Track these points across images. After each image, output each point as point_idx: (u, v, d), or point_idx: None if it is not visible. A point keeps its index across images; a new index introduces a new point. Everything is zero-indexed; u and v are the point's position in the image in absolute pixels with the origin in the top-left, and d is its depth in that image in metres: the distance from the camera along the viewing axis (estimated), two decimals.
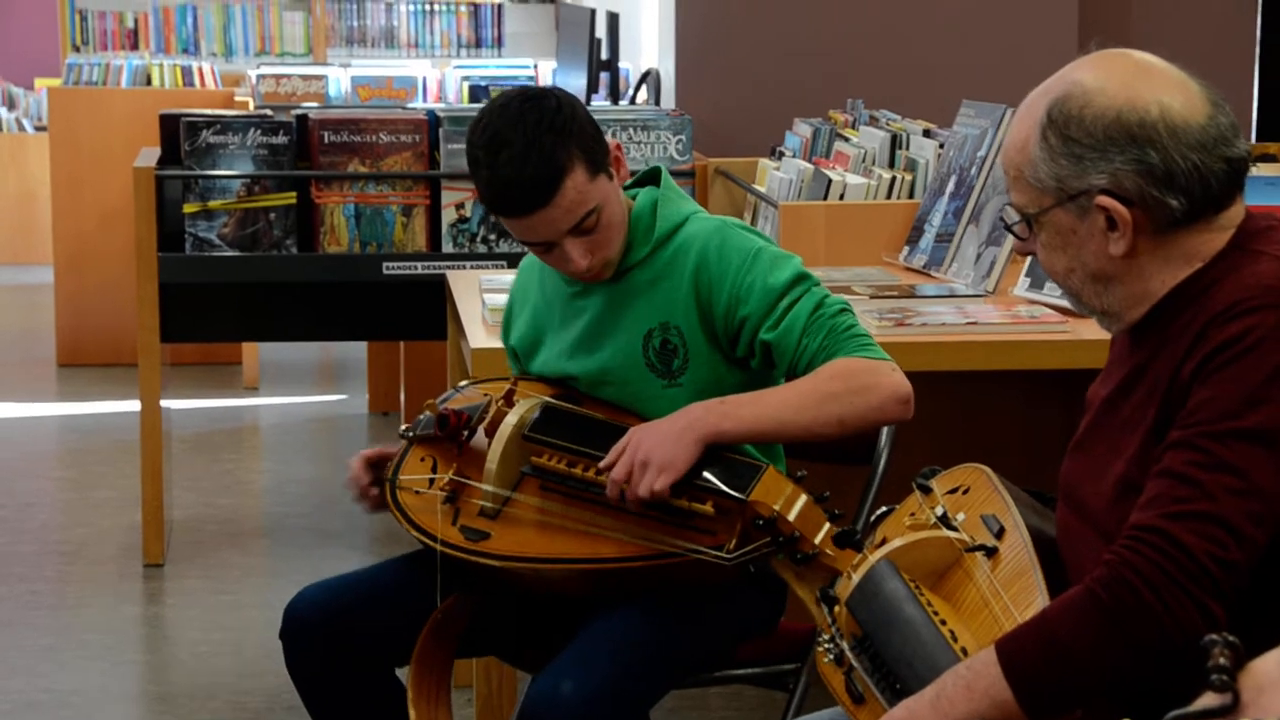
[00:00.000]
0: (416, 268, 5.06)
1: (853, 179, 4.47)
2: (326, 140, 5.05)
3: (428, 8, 10.20)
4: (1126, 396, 2.22)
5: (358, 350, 7.73)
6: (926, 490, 2.41)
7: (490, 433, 2.87)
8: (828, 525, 2.71)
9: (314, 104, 7.00)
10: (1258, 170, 3.93)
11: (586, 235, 2.86)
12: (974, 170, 4.17)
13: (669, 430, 2.74)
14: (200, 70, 9.13)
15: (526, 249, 2.96)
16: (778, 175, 4.73)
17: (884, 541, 2.35)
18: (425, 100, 7.55)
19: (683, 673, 2.90)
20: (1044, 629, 2.08)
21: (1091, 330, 3.57)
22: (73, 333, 7.81)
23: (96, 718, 4.16)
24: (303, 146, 5.10)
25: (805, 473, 2.78)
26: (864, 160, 4.59)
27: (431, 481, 2.89)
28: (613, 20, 7.10)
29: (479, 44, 10.27)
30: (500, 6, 10.23)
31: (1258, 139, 5.85)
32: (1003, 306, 3.78)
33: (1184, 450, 2.08)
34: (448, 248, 5.07)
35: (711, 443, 2.74)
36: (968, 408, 4.21)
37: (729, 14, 6.09)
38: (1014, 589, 2.20)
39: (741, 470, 2.74)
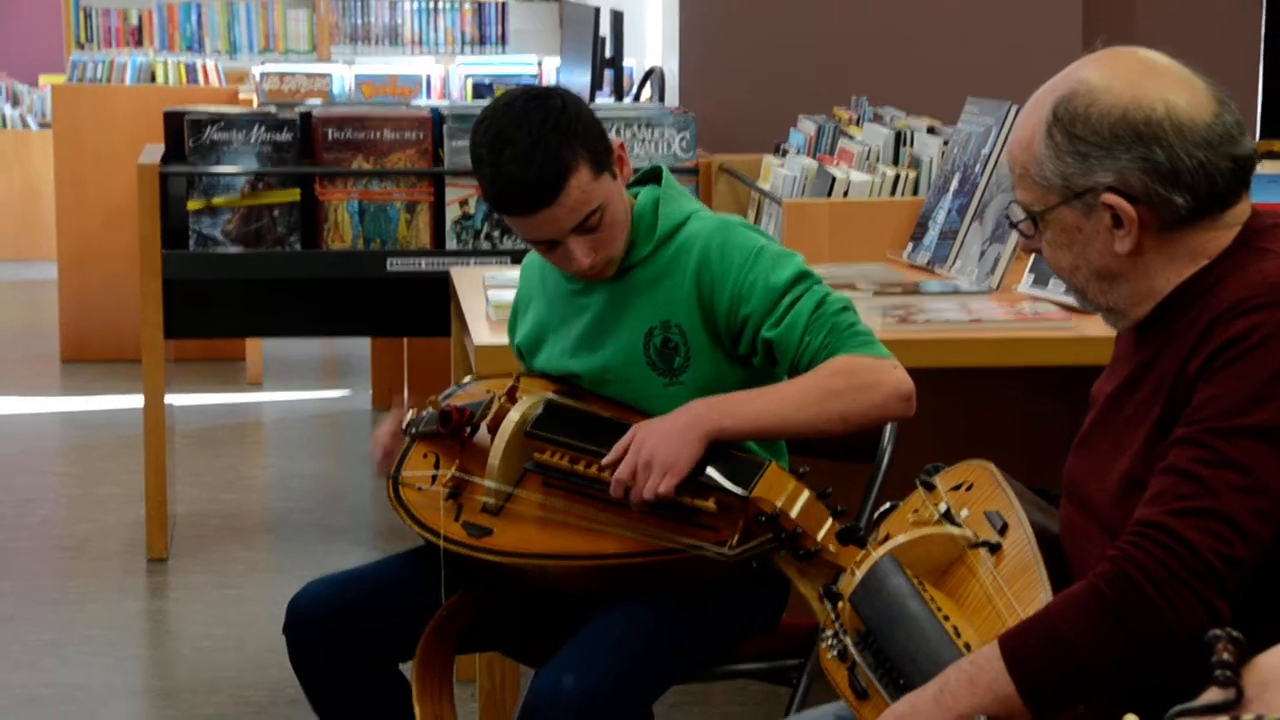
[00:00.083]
0: (420, 264, 5.07)
1: (857, 176, 4.47)
2: (330, 137, 5.05)
3: (432, 5, 10.21)
4: (1131, 393, 2.22)
5: (361, 346, 7.74)
6: (930, 487, 2.41)
7: (493, 429, 2.87)
8: (830, 521, 2.71)
9: (318, 101, 7.00)
10: (1262, 168, 3.93)
11: (590, 234, 2.86)
12: (978, 167, 4.18)
13: (671, 428, 2.74)
14: (204, 67, 9.14)
15: (530, 246, 2.96)
16: (782, 172, 4.73)
17: (887, 538, 2.35)
18: (429, 97, 7.55)
19: (685, 668, 2.90)
20: (1047, 624, 2.08)
21: (1095, 327, 3.56)
22: (76, 329, 7.82)
23: (100, 713, 4.17)
24: (306, 143, 5.10)
25: (807, 469, 2.78)
26: (868, 157, 4.59)
27: (434, 478, 2.89)
28: (617, 18, 7.10)
29: (483, 41, 10.27)
30: (504, 4, 10.23)
31: (1262, 137, 5.84)
32: (1006, 303, 3.78)
33: (1188, 447, 2.08)
34: (451, 244, 5.08)
35: (714, 439, 2.74)
36: (971, 404, 4.20)
37: (732, 11, 6.09)
38: (1017, 585, 2.20)
39: (744, 467, 2.74)
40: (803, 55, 6.05)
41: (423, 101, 7.09)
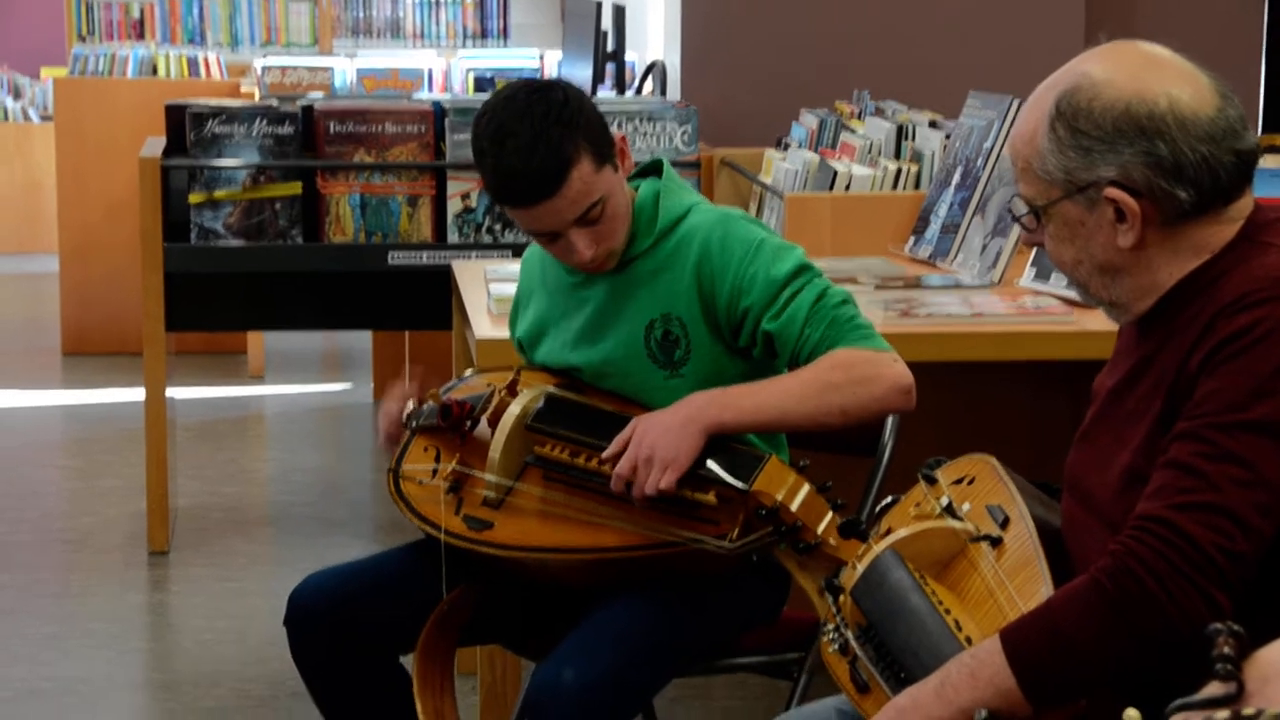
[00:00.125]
0: (421, 258, 5.06)
1: (858, 170, 4.47)
2: (332, 130, 5.05)
3: None
4: (1133, 387, 2.22)
5: (363, 340, 7.74)
6: (932, 480, 2.41)
7: (494, 423, 2.87)
8: (830, 515, 2.71)
9: (319, 94, 6.99)
10: (1264, 162, 3.92)
11: (592, 226, 2.86)
12: (980, 161, 4.17)
13: (671, 422, 2.74)
14: (206, 60, 9.13)
15: (531, 239, 2.96)
16: (783, 166, 4.72)
17: (889, 531, 2.35)
18: (431, 91, 7.55)
19: (685, 661, 2.90)
20: (1049, 618, 2.08)
21: (1097, 321, 3.56)
22: (78, 322, 7.82)
23: (100, 706, 4.17)
24: (308, 137, 5.10)
25: (808, 462, 2.78)
26: (870, 151, 4.58)
27: (435, 471, 2.89)
28: (618, 11, 7.09)
29: (485, 35, 10.27)
30: None
31: (1263, 131, 5.84)
32: (1008, 297, 3.78)
33: (1190, 441, 2.08)
34: (453, 238, 5.07)
35: (714, 433, 2.74)
36: (973, 399, 4.20)
37: (734, 5, 6.08)
38: (1018, 579, 2.20)
39: (744, 460, 2.74)
40: (804, 49, 6.04)
41: (424, 95, 7.08)
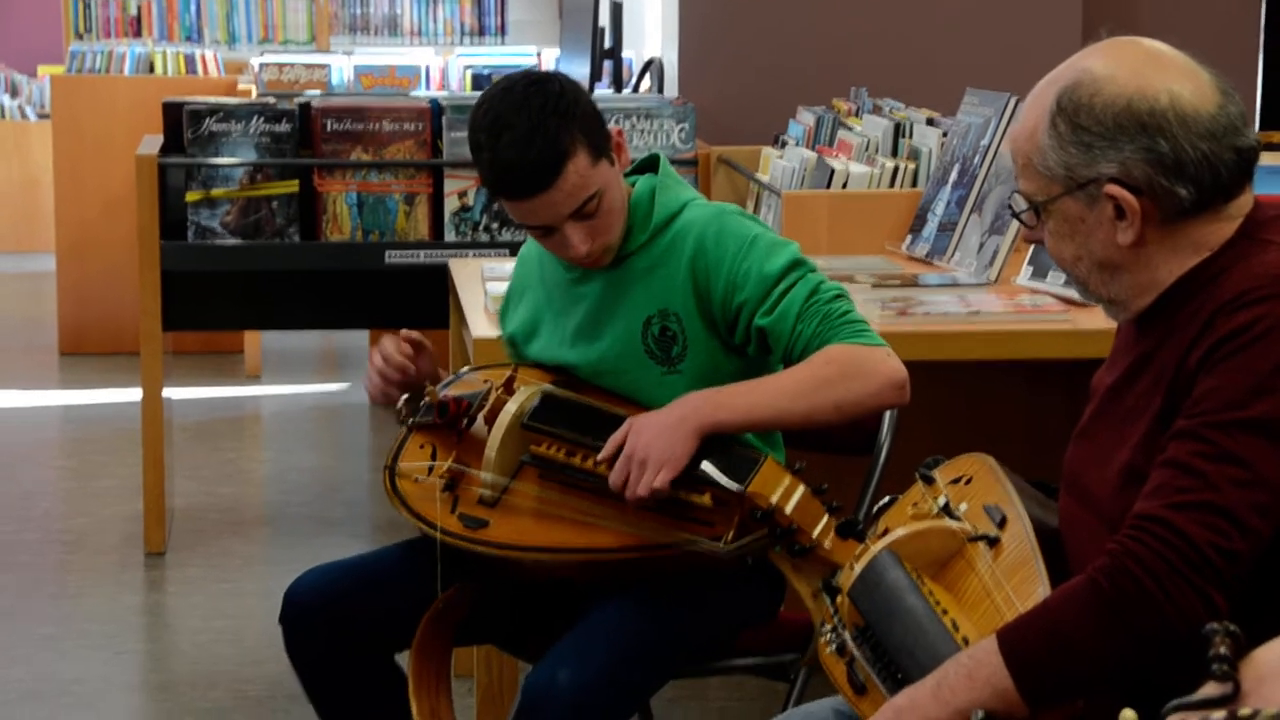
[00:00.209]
0: (419, 256, 5.06)
1: (856, 168, 4.46)
2: (329, 128, 5.04)
3: None
4: (1132, 384, 2.21)
5: (360, 339, 7.73)
6: (929, 480, 2.40)
7: (490, 421, 2.87)
8: (826, 517, 2.70)
9: (317, 92, 6.98)
10: (1262, 159, 3.91)
11: (587, 220, 2.86)
12: (977, 159, 4.16)
13: (666, 422, 2.73)
14: (203, 58, 9.12)
15: (527, 233, 2.96)
16: (781, 164, 4.72)
17: (886, 531, 2.34)
18: (428, 88, 7.54)
19: (681, 662, 2.89)
20: (1046, 618, 2.08)
21: (1094, 320, 3.56)
22: (75, 321, 7.81)
23: (98, 706, 4.16)
24: (305, 134, 5.09)
25: (804, 464, 2.77)
26: (867, 149, 4.58)
27: (431, 469, 2.89)
28: (616, 8, 7.08)
29: (482, 32, 10.26)
30: None
31: (1261, 128, 5.83)
32: (1005, 296, 3.77)
33: (1188, 440, 2.08)
34: (450, 236, 5.07)
35: (709, 433, 2.73)
36: (970, 397, 4.20)
37: (732, 2, 6.08)
38: (1016, 579, 2.19)
39: (739, 461, 2.73)
40: (801, 46, 6.03)
41: (422, 92, 7.08)
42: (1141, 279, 2.20)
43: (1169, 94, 2.13)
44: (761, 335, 2.84)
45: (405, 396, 2.99)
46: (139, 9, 9.94)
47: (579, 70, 6.72)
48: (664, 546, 2.75)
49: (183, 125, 5.05)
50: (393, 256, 5.05)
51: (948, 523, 2.30)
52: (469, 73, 7.66)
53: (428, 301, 4.94)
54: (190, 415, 6.68)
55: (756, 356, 2.90)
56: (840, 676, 2.27)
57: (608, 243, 2.90)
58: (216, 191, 5.02)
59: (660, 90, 6.44)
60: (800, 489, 2.71)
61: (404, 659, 2.95)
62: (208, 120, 5.03)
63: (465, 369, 3.14)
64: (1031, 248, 3.89)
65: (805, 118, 4.98)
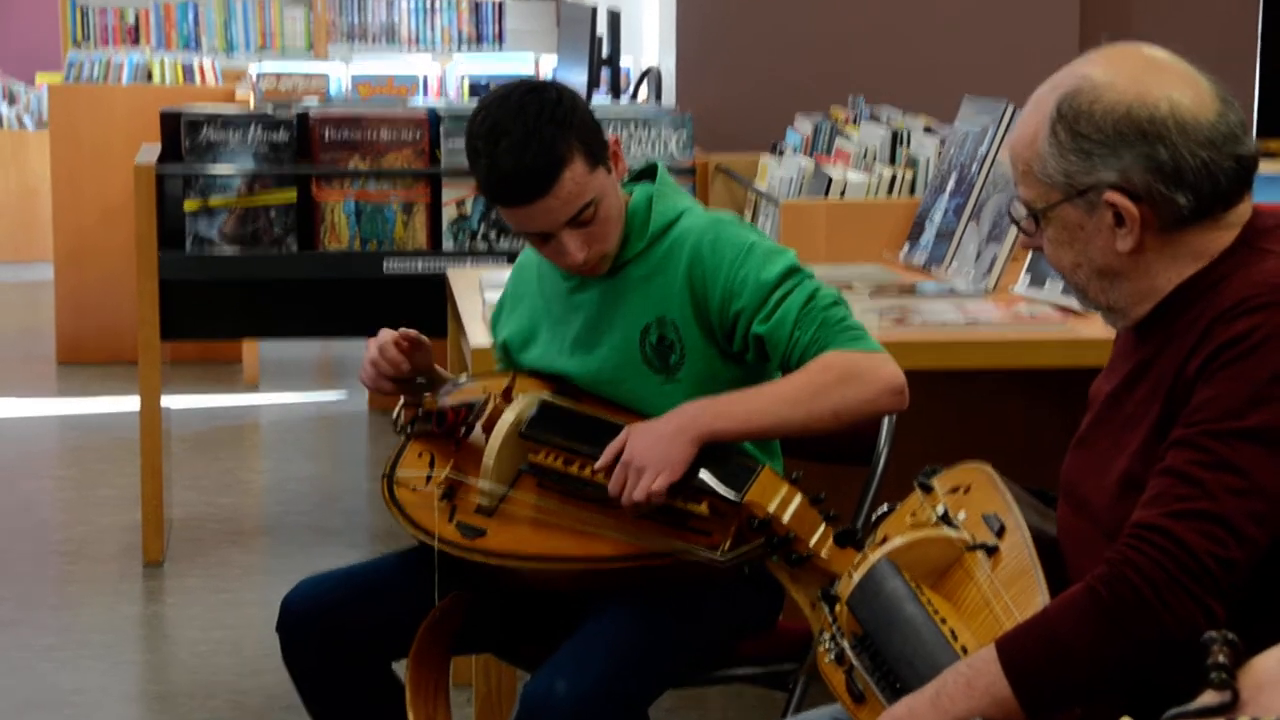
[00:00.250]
0: (417, 265, 5.06)
1: (853, 176, 4.46)
2: (327, 137, 5.04)
3: (429, 4, 10.20)
4: (1130, 392, 2.21)
5: (358, 348, 7.70)
6: (928, 489, 2.40)
7: (488, 429, 2.87)
8: (823, 526, 2.70)
9: (315, 101, 6.98)
10: (1260, 168, 3.91)
11: (584, 227, 2.86)
12: (975, 167, 4.16)
13: (664, 431, 2.73)
14: (201, 66, 9.13)
15: (524, 240, 2.96)
16: (778, 172, 4.72)
17: (885, 540, 2.34)
18: (426, 97, 7.54)
19: (679, 671, 2.89)
20: (1045, 627, 2.08)
21: (1091, 329, 3.56)
22: (73, 330, 7.81)
23: (96, 717, 4.16)
24: (303, 143, 5.10)
25: (801, 473, 2.77)
26: (865, 157, 4.58)
27: (429, 477, 2.89)
28: (614, 17, 7.09)
29: (480, 40, 10.27)
30: (501, 3, 10.23)
31: (1258, 136, 5.84)
32: (1003, 305, 3.77)
33: (1186, 449, 2.08)
34: (448, 245, 5.07)
35: (706, 442, 2.73)
36: (967, 406, 4.20)
37: (729, 11, 6.08)
38: (1015, 588, 2.19)
39: (737, 471, 2.73)
40: (799, 55, 6.04)
41: (419, 101, 7.08)
42: (1140, 286, 2.20)
43: (1169, 101, 2.14)
44: (759, 343, 2.84)
45: (402, 403, 2.99)
46: (137, 18, 9.95)
47: (576, 78, 6.72)
48: (661, 556, 2.74)
49: (181, 134, 5.05)
50: (391, 265, 5.06)
51: (946, 532, 2.29)
52: (467, 81, 7.66)
53: (426, 310, 4.93)
54: (188, 424, 6.68)
55: (755, 364, 2.90)
56: (839, 685, 2.27)
57: (604, 251, 2.90)
58: (214, 200, 5.03)
59: (658, 99, 6.44)
60: (797, 498, 2.71)
61: (401, 668, 2.95)
62: (206, 129, 5.03)
63: (463, 378, 3.14)
64: (1029, 256, 3.89)
65: (803, 126, 4.99)
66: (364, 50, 10.16)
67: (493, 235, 5.07)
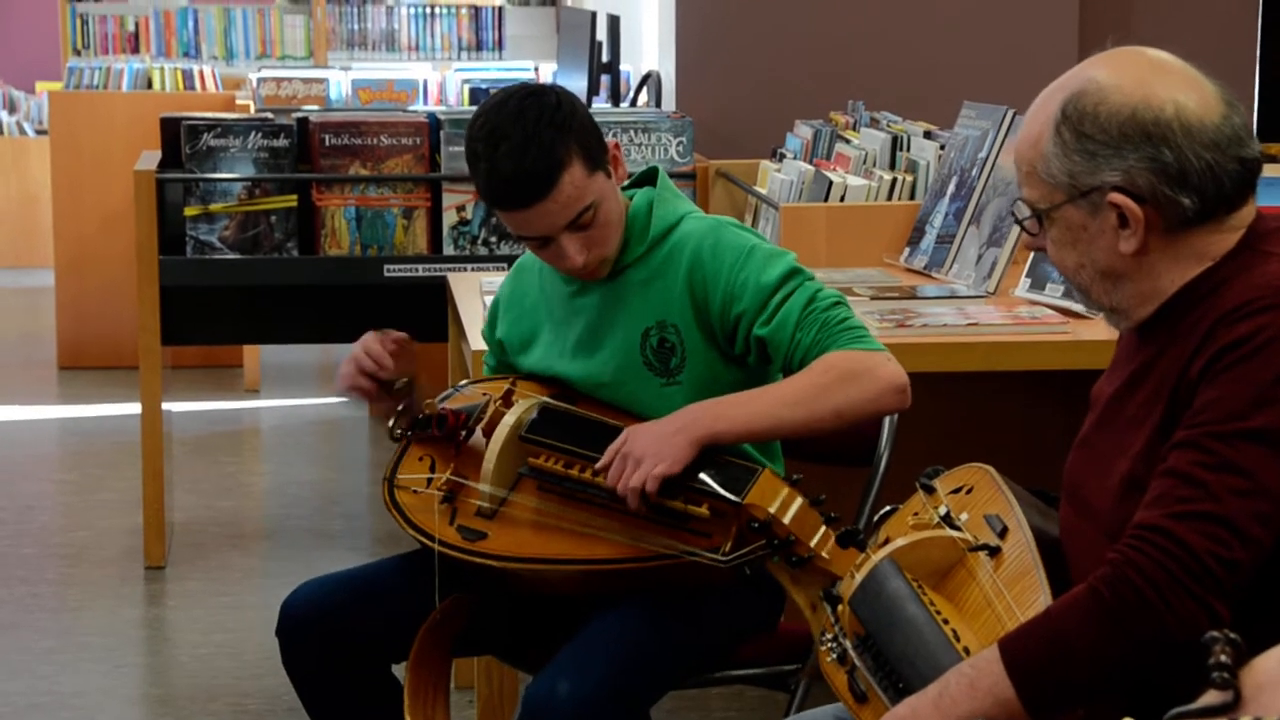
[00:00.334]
0: (417, 270, 5.06)
1: (853, 181, 4.47)
2: (327, 143, 5.05)
3: (428, 11, 10.20)
4: (1133, 393, 2.21)
5: None
6: (930, 490, 2.40)
7: (488, 433, 2.87)
8: (824, 528, 2.70)
9: (315, 107, 6.99)
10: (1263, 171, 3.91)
11: (583, 231, 2.86)
12: (975, 171, 4.17)
13: (663, 431, 2.74)
14: (201, 73, 9.13)
15: (524, 245, 2.96)
16: (779, 177, 4.72)
17: (887, 541, 2.34)
18: (426, 103, 7.55)
19: (681, 673, 2.89)
20: (1047, 627, 2.08)
21: (1092, 331, 3.56)
22: (74, 335, 7.81)
23: None
24: (303, 149, 5.10)
25: (801, 476, 2.77)
26: (865, 162, 4.58)
27: (430, 481, 2.89)
28: (613, 23, 7.09)
29: (480, 47, 10.27)
30: (501, 9, 10.23)
31: (1259, 139, 5.84)
32: (1004, 307, 3.78)
33: (1189, 450, 2.08)
34: (449, 250, 5.07)
35: (707, 443, 2.73)
36: (968, 409, 4.20)
37: (729, 16, 6.09)
38: (1017, 589, 2.19)
39: (737, 473, 2.74)
40: (799, 60, 6.04)
41: (419, 107, 7.09)
42: (1144, 288, 2.21)
43: (1174, 104, 2.14)
44: (761, 345, 2.84)
45: (400, 409, 2.99)
46: (137, 25, 9.95)
47: (577, 84, 6.73)
48: (662, 558, 2.75)
49: (181, 141, 5.05)
50: (391, 270, 5.06)
51: (949, 532, 2.30)
52: (467, 87, 7.67)
53: (427, 315, 4.94)
54: (189, 429, 6.68)
55: (756, 367, 2.90)
56: (841, 685, 2.27)
57: (604, 254, 2.90)
58: (215, 206, 5.03)
59: (658, 104, 6.44)
60: (798, 500, 2.71)
61: (402, 671, 2.95)
62: (206, 135, 5.03)
63: (463, 382, 3.15)
64: (1029, 260, 3.90)
65: (803, 131, 4.99)
66: (364, 57, 10.16)
67: (493, 240, 5.07)
